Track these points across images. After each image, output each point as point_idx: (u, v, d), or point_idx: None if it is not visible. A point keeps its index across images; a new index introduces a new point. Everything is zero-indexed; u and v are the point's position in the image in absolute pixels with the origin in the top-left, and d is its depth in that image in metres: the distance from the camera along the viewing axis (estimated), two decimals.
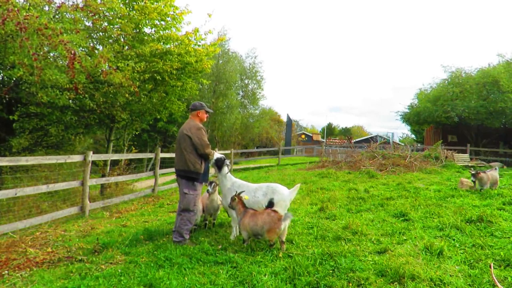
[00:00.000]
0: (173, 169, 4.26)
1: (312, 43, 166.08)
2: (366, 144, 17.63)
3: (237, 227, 4.10)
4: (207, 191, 4.34)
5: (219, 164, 4.14)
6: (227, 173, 4.17)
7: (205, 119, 4.18)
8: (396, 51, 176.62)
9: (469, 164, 12.79)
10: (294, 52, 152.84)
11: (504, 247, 3.41)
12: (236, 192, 3.88)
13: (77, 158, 5.95)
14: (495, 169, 6.51)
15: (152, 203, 7.20)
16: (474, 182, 6.30)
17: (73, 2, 7.27)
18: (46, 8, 6.71)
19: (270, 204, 3.93)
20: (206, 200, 4.48)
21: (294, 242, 3.79)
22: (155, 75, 8.87)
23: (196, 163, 3.87)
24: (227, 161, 4.22)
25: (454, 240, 3.77)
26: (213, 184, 4.34)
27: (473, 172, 6.34)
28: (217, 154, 4.18)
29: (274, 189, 4.02)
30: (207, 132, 4.73)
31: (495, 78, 16.04)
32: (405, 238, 3.90)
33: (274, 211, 3.52)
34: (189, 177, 3.88)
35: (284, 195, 3.99)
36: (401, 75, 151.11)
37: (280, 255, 3.34)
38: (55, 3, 6.73)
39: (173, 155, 9.50)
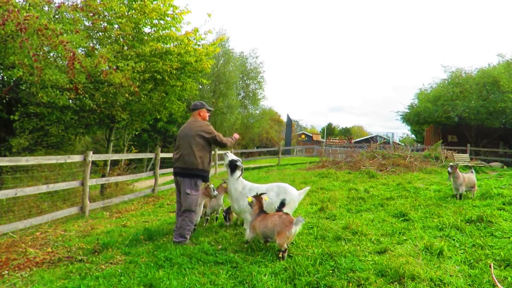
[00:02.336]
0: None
1: (312, 43, 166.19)
2: (366, 144, 17.63)
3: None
4: (213, 195, 4.40)
5: (233, 166, 3.91)
6: (239, 177, 3.96)
7: (207, 118, 4.15)
8: (396, 51, 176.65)
9: (469, 164, 12.78)
10: (294, 53, 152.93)
11: (504, 247, 3.41)
12: (247, 195, 3.80)
13: (77, 158, 5.95)
14: (472, 172, 6.31)
15: (152, 203, 7.20)
16: (449, 173, 5.96)
17: (73, 2, 7.27)
18: (46, 8, 6.72)
19: (282, 204, 3.90)
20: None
21: (294, 242, 3.78)
22: (155, 74, 8.87)
23: (205, 161, 3.87)
24: (242, 166, 3.98)
25: (454, 240, 3.77)
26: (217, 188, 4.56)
27: (451, 164, 6.01)
28: (231, 155, 3.99)
29: (286, 189, 3.99)
30: None
31: (495, 78, 16.04)
32: (405, 238, 3.90)
33: (286, 213, 3.48)
34: (194, 174, 3.83)
35: (294, 196, 3.98)
36: (401, 74, 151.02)
37: (280, 255, 3.34)
38: (55, 3, 6.74)
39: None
